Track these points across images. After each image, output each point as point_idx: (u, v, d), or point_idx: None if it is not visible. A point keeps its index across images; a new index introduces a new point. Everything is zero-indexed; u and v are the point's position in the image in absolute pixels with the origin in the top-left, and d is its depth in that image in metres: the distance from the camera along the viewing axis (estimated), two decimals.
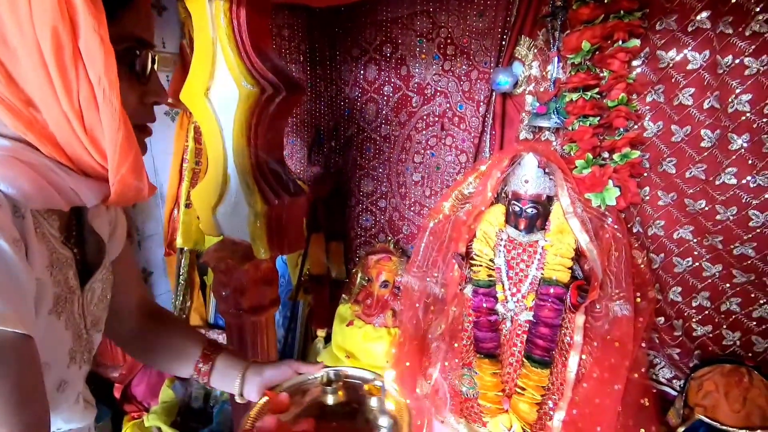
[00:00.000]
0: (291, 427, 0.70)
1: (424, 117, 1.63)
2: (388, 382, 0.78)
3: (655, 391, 1.35)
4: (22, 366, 0.45)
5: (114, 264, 0.73)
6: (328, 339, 1.92)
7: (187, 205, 1.94)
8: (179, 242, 1.93)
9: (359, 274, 1.72)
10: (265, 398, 0.77)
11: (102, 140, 0.53)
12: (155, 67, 0.60)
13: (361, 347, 1.63)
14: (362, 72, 1.70)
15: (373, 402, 0.77)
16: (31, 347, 0.47)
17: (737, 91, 1.12)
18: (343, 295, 1.79)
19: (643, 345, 1.26)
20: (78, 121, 0.51)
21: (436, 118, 1.61)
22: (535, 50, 1.37)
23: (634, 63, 1.22)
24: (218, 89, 1.21)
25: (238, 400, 0.83)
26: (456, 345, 1.46)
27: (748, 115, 1.11)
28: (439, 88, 1.57)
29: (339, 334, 1.72)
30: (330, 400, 0.78)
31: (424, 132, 1.64)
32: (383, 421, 0.73)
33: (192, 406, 1.84)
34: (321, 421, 0.73)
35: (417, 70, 1.60)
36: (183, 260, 1.98)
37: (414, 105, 1.63)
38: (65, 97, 0.49)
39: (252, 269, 1.36)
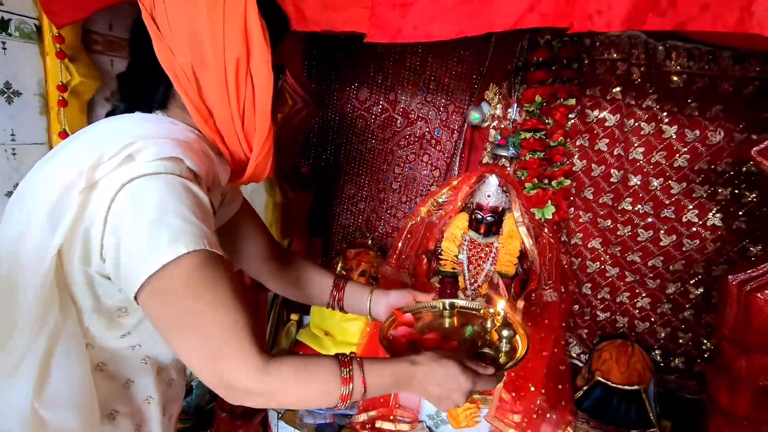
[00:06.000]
0: (421, 336, 0.86)
1: (407, 136, 1.96)
2: (503, 307, 0.92)
3: (568, 362, 1.78)
4: (229, 276, 0.66)
5: (235, 222, 0.93)
6: (299, 324, 2.14)
7: None
8: None
9: (339, 265, 1.99)
10: (392, 317, 0.93)
11: (252, 136, 0.76)
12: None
13: (338, 326, 1.90)
14: (355, 92, 2.00)
15: (489, 323, 0.91)
16: (229, 266, 0.69)
17: (635, 144, 1.59)
18: None
19: (563, 325, 1.69)
20: (239, 122, 0.74)
21: (416, 139, 1.95)
22: (500, 96, 1.77)
23: (570, 116, 1.67)
24: None
25: (368, 318, 1.00)
26: None
27: (641, 162, 1.59)
28: (421, 115, 1.92)
29: (317, 315, 1.96)
30: (446, 323, 0.94)
31: (405, 149, 1.97)
32: (505, 333, 0.84)
33: None
34: (446, 336, 0.89)
35: (403, 97, 1.94)
36: None
37: (398, 125, 1.96)
38: (235, 105, 0.73)
39: None
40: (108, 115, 0.77)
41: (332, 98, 2.05)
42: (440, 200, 1.78)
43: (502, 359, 0.83)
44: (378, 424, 1.58)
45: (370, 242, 2.03)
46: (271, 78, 0.73)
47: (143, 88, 0.74)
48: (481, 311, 0.99)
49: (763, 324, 0.97)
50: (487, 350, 0.84)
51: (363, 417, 1.61)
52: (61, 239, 0.62)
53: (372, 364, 0.70)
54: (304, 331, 2.01)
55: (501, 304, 0.94)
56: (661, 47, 1.50)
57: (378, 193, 2.06)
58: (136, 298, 0.63)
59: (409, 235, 1.82)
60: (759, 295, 0.98)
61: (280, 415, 1.80)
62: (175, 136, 0.69)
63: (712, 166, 1.51)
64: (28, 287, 0.64)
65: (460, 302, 1.01)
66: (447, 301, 0.99)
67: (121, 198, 0.61)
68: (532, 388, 1.56)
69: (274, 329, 2.27)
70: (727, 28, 0.86)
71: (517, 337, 0.86)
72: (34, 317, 0.64)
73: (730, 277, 1.04)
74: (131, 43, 0.77)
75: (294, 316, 2.20)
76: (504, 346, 0.84)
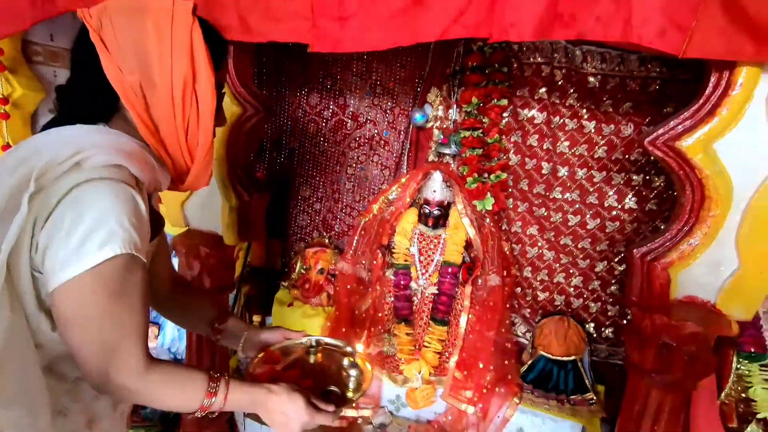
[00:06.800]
0: (282, 373, 0.98)
1: (357, 138, 2.06)
2: (357, 349, 1.09)
3: (514, 340, 1.94)
4: (144, 283, 0.72)
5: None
6: (262, 324, 2.19)
7: None
8: None
9: (299, 264, 2.06)
10: (262, 353, 1.02)
11: (194, 149, 0.84)
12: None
13: (300, 323, 1.96)
14: (305, 97, 2.08)
15: (345, 361, 1.05)
16: (147, 275, 0.74)
17: (562, 139, 1.77)
18: (282, 283, 2.10)
19: (507, 306, 1.84)
20: (183, 136, 0.82)
21: (366, 140, 2.05)
22: (441, 98, 1.90)
23: (504, 115, 1.82)
24: None
25: (240, 355, 1.06)
26: (379, 315, 1.89)
27: (567, 155, 1.77)
28: (369, 117, 2.02)
29: (279, 314, 2.02)
30: (311, 359, 1.05)
31: (356, 150, 2.07)
32: (353, 372, 1.01)
33: None
34: (304, 372, 1.00)
35: (352, 101, 2.03)
36: None
37: (348, 128, 2.06)
38: (180, 121, 0.80)
39: (217, 254, 1.63)
40: (45, 127, 0.78)
41: (283, 104, 2.11)
42: (391, 197, 1.89)
43: (350, 393, 0.98)
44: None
45: (327, 241, 2.11)
46: (214, 97, 0.81)
47: (87, 100, 0.77)
48: (340, 350, 1.10)
49: (660, 288, 1.14)
50: (334, 388, 0.97)
51: None
52: (12, 243, 0.65)
53: (236, 384, 0.79)
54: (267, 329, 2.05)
55: (358, 347, 1.11)
56: (578, 51, 1.68)
57: (332, 193, 2.15)
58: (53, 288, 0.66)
59: (363, 232, 1.92)
60: (657, 264, 1.15)
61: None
62: (120, 146, 0.73)
63: (626, 156, 1.70)
64: None
65: (324, 339, 1.11)
66: (313, 339, 1.09)
67: (68, 199, 0.66)
68: (482, 366, 1.70)
69: None
70: (615, 38, 1.02)
71: (364, 374, 1.01)
72: None
73: (634, 250, 1.20)
74: (74, 56, 0.80)
75: (257, 317, 2.24)
76: (351, 384, 0.99)
